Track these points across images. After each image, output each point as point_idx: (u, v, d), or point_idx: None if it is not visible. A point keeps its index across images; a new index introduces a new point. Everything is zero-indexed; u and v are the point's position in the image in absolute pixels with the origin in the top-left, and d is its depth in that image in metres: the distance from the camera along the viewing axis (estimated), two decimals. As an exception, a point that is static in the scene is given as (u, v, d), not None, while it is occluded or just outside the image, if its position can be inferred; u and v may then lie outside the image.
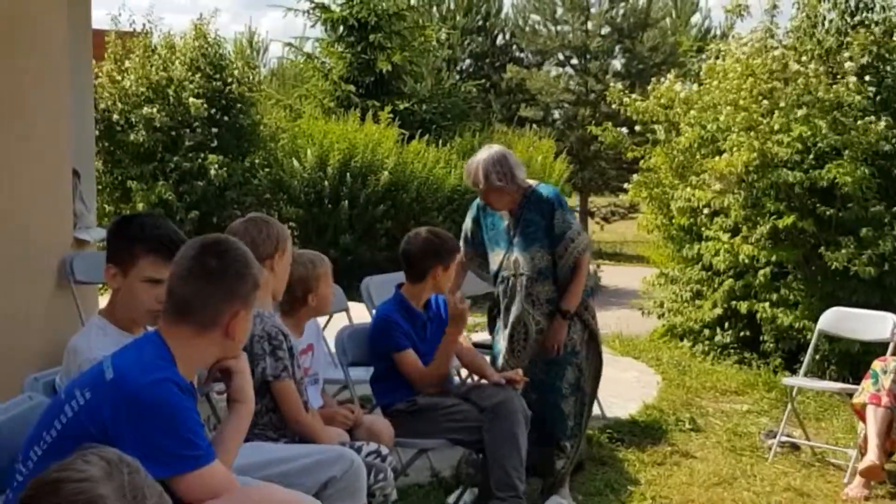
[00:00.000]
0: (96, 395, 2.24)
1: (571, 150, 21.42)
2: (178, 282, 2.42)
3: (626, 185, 9.47)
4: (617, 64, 25.06)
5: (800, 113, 7.61)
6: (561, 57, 25.51)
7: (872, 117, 7.50)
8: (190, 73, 12.35)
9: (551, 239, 4.60)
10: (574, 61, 25.21)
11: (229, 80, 12.62)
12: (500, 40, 26.54)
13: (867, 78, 7.77)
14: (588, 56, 24.59)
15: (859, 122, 7.50)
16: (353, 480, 3.01)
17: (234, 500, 2.31)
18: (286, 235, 3.49)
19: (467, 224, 4.94)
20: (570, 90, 24.49)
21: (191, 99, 11.99)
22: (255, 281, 2.46)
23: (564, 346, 4.64)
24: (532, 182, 4.72)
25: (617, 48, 24.93)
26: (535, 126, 20.81)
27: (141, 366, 2.28)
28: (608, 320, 9.74)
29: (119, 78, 12.24)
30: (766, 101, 7.84)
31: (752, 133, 7.76)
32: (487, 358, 4.76)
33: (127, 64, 12.33)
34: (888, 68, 7.99)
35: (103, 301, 3.05)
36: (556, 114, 25.26)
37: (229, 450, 2.47)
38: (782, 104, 7.73)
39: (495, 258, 4.75)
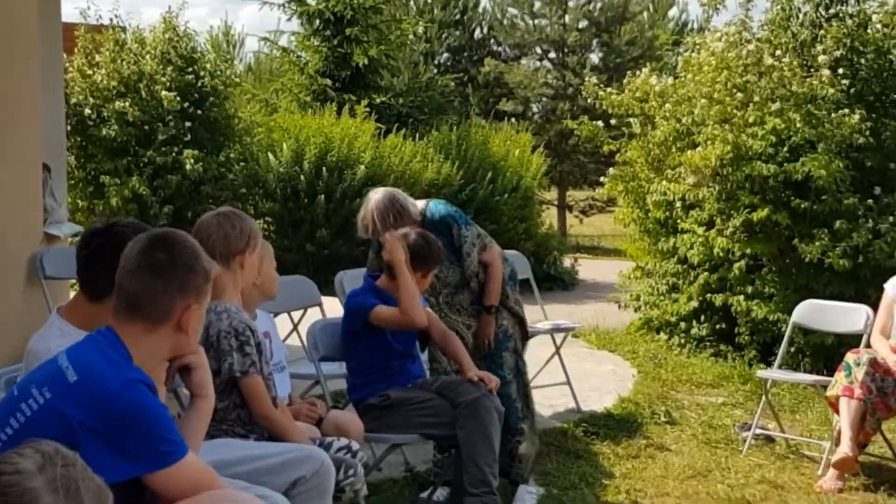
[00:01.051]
0: (58, 397, 2.21)
1: (549, 144, 21.37)
2: (127, 277, 2.38)
3: (602, 179, 9.47)
4: (594, 58, 25.09)
5: (773, 107, 7.62)
6: (539, 51, 25.50)
7: (846, 110, 7.52)
8: (161, 67, 12.23)
9: (458, 254, 4.74)
10: (552, 55, 25.20)
11: (201, 73, 12.50)
12: (477, 34, 26.46)
13: (841, 71, 7.79)
14: (566, 50, 24.60)
15: (833, 116, 7.52)
16: (322, 480, 2.98)
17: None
18: (258, 232, 3.46)
19: (371, 259, 4.84)
20: (548, 84, 24.46)
21: (163, 92, 11.87)
22: (205, 273, 2.44)
23: (496, 334, 4.78)
24: (421, 204, 4.77)
25: (594, 42, 24.93)
26: (513, 120, 20.76)
27: (107, 367, 2.26)
28: (585, 314, 9.77)
29: (90, 72, 12.07)
30: (740, 95, 7.86)
31: (726, 126, 7.77)
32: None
33: (97, 58, 12.18)
34: (862, 61, 8.01)
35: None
36: (535, 108, 25.22)
37: (193, 446, 2.44)
38: (756, 98, 7.75)
39: None
